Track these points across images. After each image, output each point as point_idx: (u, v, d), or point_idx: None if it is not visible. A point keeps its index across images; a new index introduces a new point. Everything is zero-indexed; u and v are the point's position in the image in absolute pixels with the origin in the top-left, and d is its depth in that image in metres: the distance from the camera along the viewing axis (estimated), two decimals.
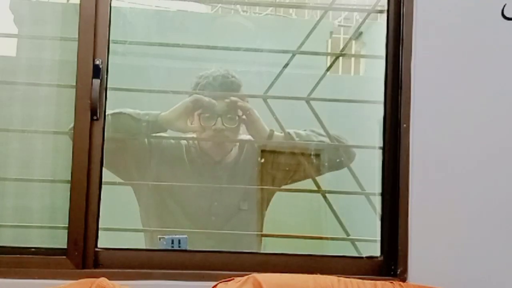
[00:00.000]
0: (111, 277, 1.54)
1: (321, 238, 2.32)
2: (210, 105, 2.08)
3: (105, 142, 1.79)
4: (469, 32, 1.82)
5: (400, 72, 1.83)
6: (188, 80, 2.19)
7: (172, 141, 2.15)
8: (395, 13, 1.86)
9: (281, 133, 2.12)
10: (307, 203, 2.51)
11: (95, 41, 1.78)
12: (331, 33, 3.35)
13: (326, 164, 2.16)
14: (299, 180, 2.19)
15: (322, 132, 2.13)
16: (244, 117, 2.11)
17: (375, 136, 1.94)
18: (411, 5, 1.82)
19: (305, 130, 2.16)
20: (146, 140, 2.11)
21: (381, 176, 1.86)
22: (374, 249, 1.85)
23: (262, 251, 2.08)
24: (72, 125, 1.79)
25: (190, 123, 2.12)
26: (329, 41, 3.35)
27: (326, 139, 2.13)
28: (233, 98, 2.10)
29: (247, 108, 2.10)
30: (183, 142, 2.16)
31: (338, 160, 2.14)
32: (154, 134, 2.11)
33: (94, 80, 1.76)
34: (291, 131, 2.13)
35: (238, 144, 2.17)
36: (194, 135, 2.16)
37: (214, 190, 2.14)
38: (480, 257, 1.78)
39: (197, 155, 2.15)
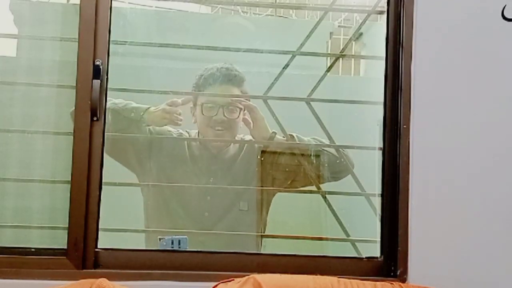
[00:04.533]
0: (111, 277, 1.54)
1: (321, 238, 2.32)
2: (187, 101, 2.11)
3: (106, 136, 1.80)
4: (469, 33, 1.82)
5: (400, 73, 1.83)
6: (189, 80, 2.20)
7: (175, 134, 2.16)
8: (395, 14, 1.87)
9: (283, 136, 2.13)
10: (307, 204, 2.52)
11: (95, 42, 1.78)
12: (331, 34, 3.36)
13: (326, 169, 2.16)
14: (300, 186, 2.20)
15: (324, 141, 2.14)
16: (246, 113, 2.12)
17: (375, 137, 1.94)
18: (411, 6, 1.82)
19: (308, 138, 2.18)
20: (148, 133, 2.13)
21: (381, 177, 1.86)
22: (374, 250, 1.85)
23: (262, 252, 2.08)
24: (72, 109, 1.80)
25: (193, 115, 2.14)
26: (329, 42, 3.35)
27: (328, 148, 2.14)
28: (236, 99, 2.12)
29: (251, 107, 2.11)
30: (186, 135, 2.19)
31: (338, 162, 2.14)
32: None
33: (94, 80, 1.76)
34: (294, 134, 2.14)
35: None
36: (197, 130, 2.18)
37: (210, 187, 2.15)
38: (480, 257, 1.78)
39: (197, 149, 2.17)
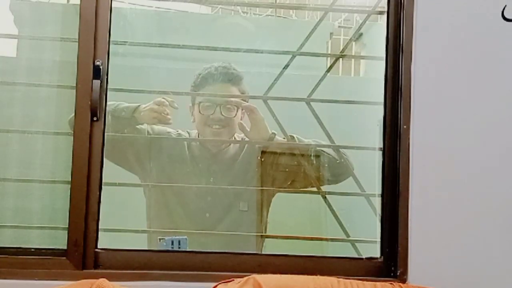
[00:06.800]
0: (111, 278, 1.54)
1: (321, 239, 2.32)
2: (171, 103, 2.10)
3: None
4: (469, 34, 1.82)
5: (400, 73, 1.83)
6: (189, 80, 2.20)
7: (174, 135, 2.17)
8: (395, 14, 1.87)
9: (284, 138, 2.13)
10: (307, 204, 2.52)
11: (95, 42, 1.78)
12: (331, 34, 3.36)
13: (326, 171, 2.16)
14: (299, 188, 2.20)
15: (325, 143, 2.14)
16: (243, 116, 2.13)
17: (375, 137, 1.94)
18: (411, 6, 1.82)
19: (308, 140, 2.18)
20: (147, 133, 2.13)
21: (381, 177, 1.86)
22: (374, 250, 1.85)
23: (261, 252, 2.08)
24: (71, 116, 1.80)
25: (192, 114, 2.14)
26: (329, 42, 3.35)
27: (329, 150, 2.14)
28: (235, 99, 2.12)
29: (251, 108, 2.11)
30: (186, 135, 2.19)
31: (338, 164, 2.14)
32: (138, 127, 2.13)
33: (94, 81, 1.76)
34: (294, 135, 2.14)
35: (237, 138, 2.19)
36: (195, 129, 2.18)
37: (210, 187, 2.15)
38: (480, 257, 1.78)
39: (197, 148, 2.17)
